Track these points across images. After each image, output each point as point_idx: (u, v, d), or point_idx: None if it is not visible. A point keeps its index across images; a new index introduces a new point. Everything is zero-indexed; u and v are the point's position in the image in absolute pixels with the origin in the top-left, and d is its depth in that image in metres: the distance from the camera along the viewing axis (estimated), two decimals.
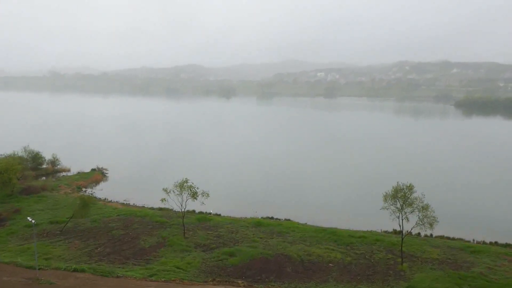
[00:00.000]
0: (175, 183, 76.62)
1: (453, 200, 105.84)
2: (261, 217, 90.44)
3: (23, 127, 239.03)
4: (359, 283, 60.41)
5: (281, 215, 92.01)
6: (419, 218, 63.29)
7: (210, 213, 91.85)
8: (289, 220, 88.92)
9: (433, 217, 62.36)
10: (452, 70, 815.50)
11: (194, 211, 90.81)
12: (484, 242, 77.81)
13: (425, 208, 62.97)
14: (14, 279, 56.41)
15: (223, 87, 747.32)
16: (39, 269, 58.45)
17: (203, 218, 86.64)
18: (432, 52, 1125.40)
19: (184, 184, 75.87)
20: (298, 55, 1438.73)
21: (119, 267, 62.88)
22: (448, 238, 79.47)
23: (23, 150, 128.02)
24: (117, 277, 58.54)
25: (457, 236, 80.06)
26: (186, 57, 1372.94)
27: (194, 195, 75.75)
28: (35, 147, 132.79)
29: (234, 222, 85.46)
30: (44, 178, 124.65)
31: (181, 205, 76.12)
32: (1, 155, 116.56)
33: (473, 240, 78.66)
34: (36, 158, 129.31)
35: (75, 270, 59.42)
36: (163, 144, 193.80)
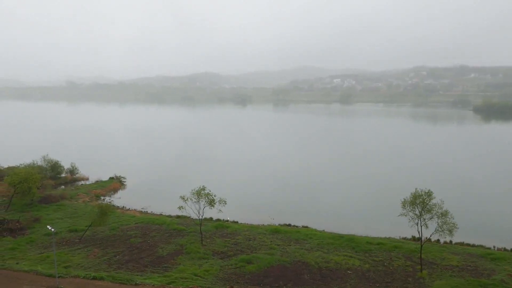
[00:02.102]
0: (192, 190, 76.91)
1: (473, 206, 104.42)
2: (279, 224, 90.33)
3: (42, 136, 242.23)
4: None
5: (298, 222, 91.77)
6: (438, 224, 62.55)
7: (227, 221, 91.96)
8: (306, 227, 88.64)
9: (453, 223, 61.53)
10: (470, 75, 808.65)
11: (211, 218, 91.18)
12: (505, 249, 76.52)
13: (444, 214, 62.20)
14: (34, 287, 57.08)
15: (238, 95, 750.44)
16: (58, 277, 59.02)
17: (221, 226, 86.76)
18: (449, 57, 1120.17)
19: (201, 192, 76.17)
20: (313, 61, 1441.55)
21: (137, 275, 63.18)
22: (468, 245, 78.31)
23: (42, 159, 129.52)
24: (136, 284, 58.83)
25: (477, 243, 78.85)
26: (201, 65, 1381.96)
27: (211, 203, 76.00)
28: (54, 156, 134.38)
29: (251, 229, 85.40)
30: (63, 187, 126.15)
31: (199, 213, 76.35)
32: (21, 164, 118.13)
33: (494, 247, 77.42)
34: (55, 167, 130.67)
35: (94, 278, 59.86)
36: (180, 152, 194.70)
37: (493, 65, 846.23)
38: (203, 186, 77.67)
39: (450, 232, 61.40)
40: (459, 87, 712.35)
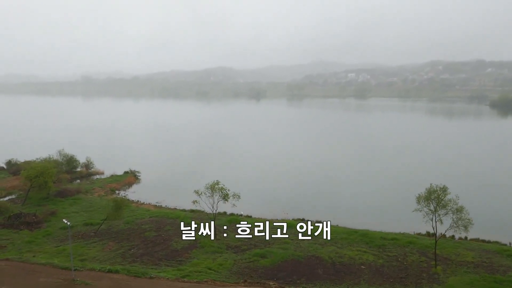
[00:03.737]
0: (206, 185, 77.22)
1: (489, 202, 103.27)
2: (292, 219, 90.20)
3: (58, 131, 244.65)
4: (391, 285, 59.59)
5: (312, 216, 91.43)
6: (453, 220, 62.08)
7: (241, 215, 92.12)
8: (320, 221, 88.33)
9: (468, 219, 60.98)
10: (487, 69, 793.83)
11: (225, 212, 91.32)
12: None
13: (459, 210, 61.64)
14: (51, 280, 57.87)
15: (253, 89, 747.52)
16: (74, 270, 59.71)
17: (234, 220, 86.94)
18: (465, 51, 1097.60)
19: (215, 186, 76.40)
20: (327, 56, 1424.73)
21: (152, 268, 63.75)
22: (483, 241, 77.48)
23: (58, 153, 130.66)
24: (150, 278, 59.39)
25: (493, 239, 77.95)
26: (215, 60, 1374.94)
27: (225, 197, 76.28)
28: (70, 150, 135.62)
29: None
30: (78, 181, 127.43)
31: (213, 207, 76.66)
32: (37, 158, 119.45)
33: (510, 243, 76.45)
34: (70, 162, 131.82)
35: (109, 271, 60.54)
36: (194, 147, 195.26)
37: (511, 59, 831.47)
38: (217, 180, 77.85)
39: (466, 228, 60.92)
40: (476, 81, 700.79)
